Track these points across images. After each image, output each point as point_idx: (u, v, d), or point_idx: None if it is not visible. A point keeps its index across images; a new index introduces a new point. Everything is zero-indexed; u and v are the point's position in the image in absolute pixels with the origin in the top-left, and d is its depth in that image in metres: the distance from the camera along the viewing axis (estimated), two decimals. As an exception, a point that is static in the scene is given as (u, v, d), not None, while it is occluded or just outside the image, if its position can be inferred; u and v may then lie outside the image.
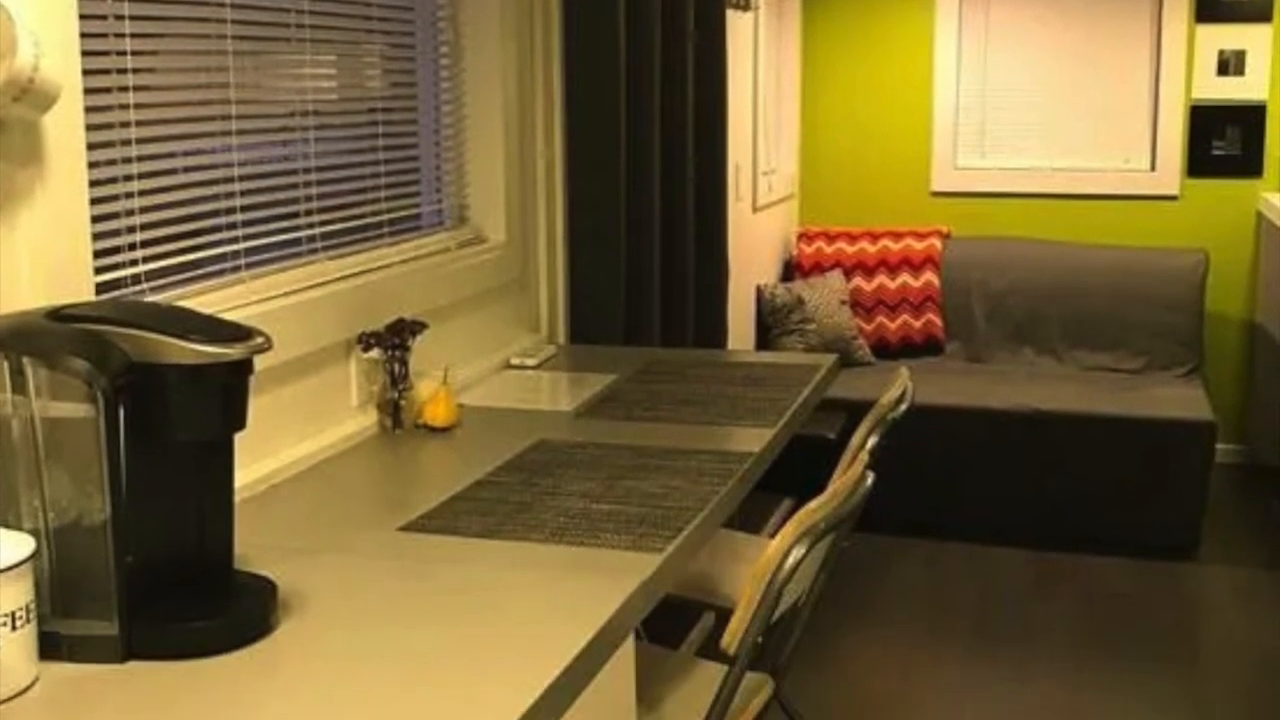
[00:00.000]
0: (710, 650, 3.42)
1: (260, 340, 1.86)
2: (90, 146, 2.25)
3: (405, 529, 2.33)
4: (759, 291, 6.38)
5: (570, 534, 2.30)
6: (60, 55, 2.10)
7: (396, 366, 2.98)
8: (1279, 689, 4.48)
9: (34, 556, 1.70)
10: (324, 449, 2.81)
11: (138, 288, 2.45)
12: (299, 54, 2.93)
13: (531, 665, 1.76)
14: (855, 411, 5.57)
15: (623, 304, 4.07)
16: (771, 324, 6.37)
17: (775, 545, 2.30)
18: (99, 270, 2.29)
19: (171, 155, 2.54)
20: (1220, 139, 6.59)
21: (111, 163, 2.37)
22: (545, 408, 3.18)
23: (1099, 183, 6.79)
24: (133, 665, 1.78)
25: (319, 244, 3.03)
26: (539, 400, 3.25)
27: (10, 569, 1.65)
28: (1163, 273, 6.41)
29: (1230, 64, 6.54)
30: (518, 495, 2.51)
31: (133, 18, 2.40)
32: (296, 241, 2.96)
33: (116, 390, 1.75)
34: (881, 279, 6.68)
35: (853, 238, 6.79)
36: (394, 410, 2.99)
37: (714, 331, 4.88)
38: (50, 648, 1.77)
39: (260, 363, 1.92)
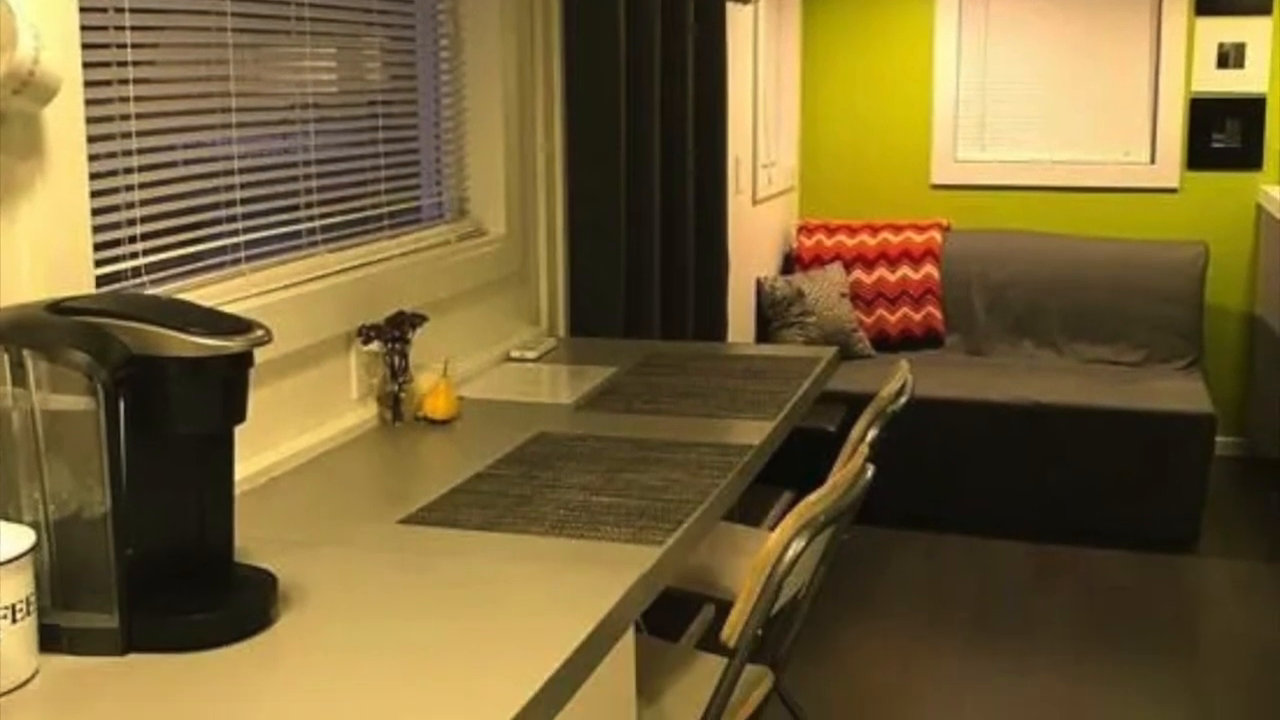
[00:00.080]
0: (710, 643, 3.42)
1: (260, 333, 1.86)
2: (90, 139, 2.25)
3: (405, 522, 2.34)
4: (759, 284, 6.38)
5: (570, 527, 2.30)
6: (60, 48, 2.10)
7: (396, 359, 2.98)
8: (1278, 681, 4.49)
9: (34, 549, 1.70)
10: (324, 442, 2.81)
11: (138, 280, 2.45)
12: (299, 47, 2.93)
13: (531, 658, 1.76)
14: (855, 404, 5.56)
15: (623, 297, 4.07)
16: (771, 317, 6.37)
17: (775, 538, 2.30)
18: (99, 263, 2.29)
19: (172, 148, 2.54)
20: (1220, 132, 6.59)
21: (112, 155, 2.36)
22: (545, 400, 3.18)
23: (1099, 175, 6.79)
24: (133, 658, 1.78)
25: (319, 237, 3.03)
26: (539, 393, 3.25)
27: (10, 561, 1.65)
28: (1162, 265, 6.41)
29: (1230, 57, 6.54)
30: (518, 488, 2.51)
31: (133, 10, 2.40)
32: (296, 234, 2.96)
33: (117, 383, 1.75)
34: (881, 271, 6.68)
35: (853, 230, 6.79)
36: (394, 403, 2.99)
37: (714, 324, 4.88)
38: (50, 640, 1.77)
39: (260, 355, 1.92)
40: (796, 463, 4.46)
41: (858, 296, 6.69)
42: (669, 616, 4.33)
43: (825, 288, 6.44)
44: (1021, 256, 6.59)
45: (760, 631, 2.33)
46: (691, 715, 2.58)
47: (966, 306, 6.64)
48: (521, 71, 3.77)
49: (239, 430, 1.95)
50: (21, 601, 1.68)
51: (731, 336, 5.50)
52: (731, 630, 2.32)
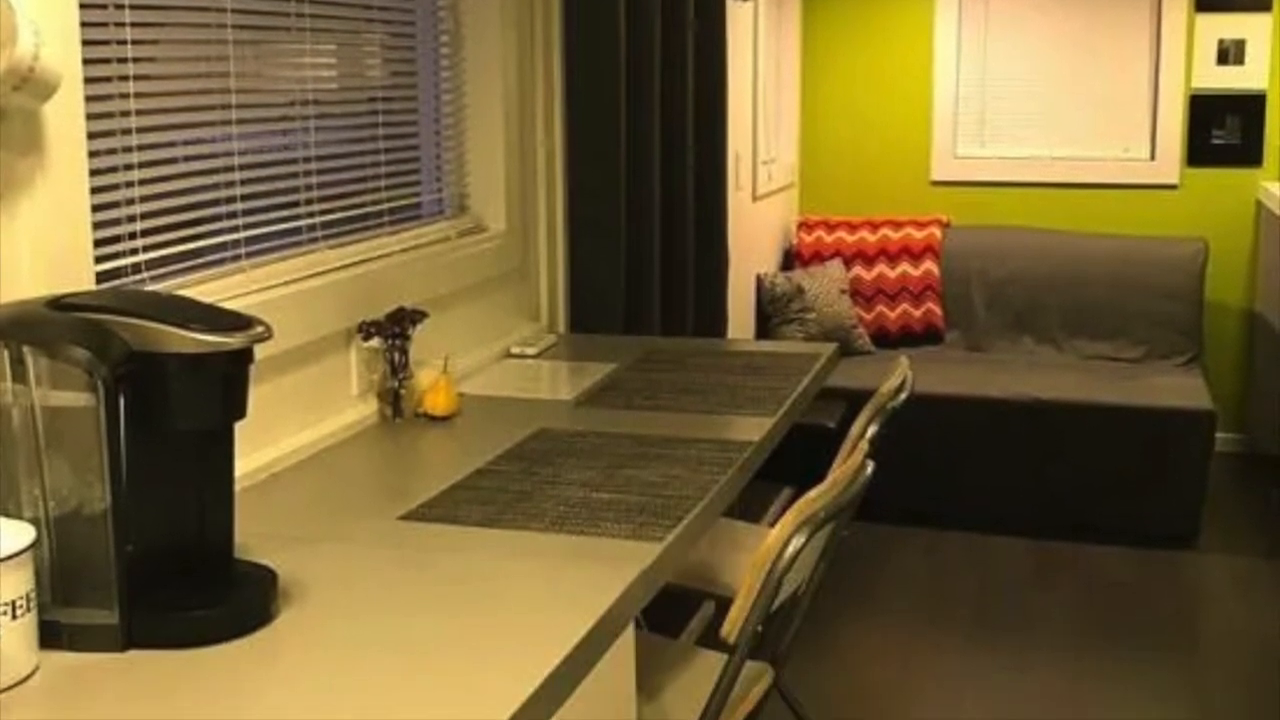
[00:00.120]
0: (710, 639, 3.43)
1: (260, 329, 1.86)
2: (90, 136, 2.25)
3: (405, 518, 2.34)
4: (759, 280, 6.38)
5: (570, 523, 2.30)
6: (60, 44, 2.10)
7: (397, 355, 2.98)
8: (1278, 678, 4.49)
9: (34, 545, 1.70)
10: (324, 438, 2.81)
11: (138, 277, 2.45)
12: (299, 43, 2.93)
13: (531, 654, 1.76)
14: (855, 400, 5.55)
15: (623, 293, 4.07)
16: (771, 313, 6.37)
17: (775, 534, 2.30)
18: (99, 259, 2.29)
19: (172, 144, 2.54)
20: (1220, 128, 6.59)
21: (112, 152, 2.36)
22: (545, 396, 3.18)
23: (1099, 172, 6.79)
24: (133, 654, 1.78)
25: (319, 233, 3.03)
26: (539, 389, 3.25)
27: (11, 558, 1.65)
28: (1162, 262, 6.41)
29: (1230, 53, 6.53)
30: (518, 484, 2.51)
31: (133, 6, 2.40)
32: (297, 230, 2.96)
33: (117, 379, 1.75)
34: (881, 268, 6.68)
35: (852, 227, 6.79)
36: (394, 399, 3.00)
37: (714, 320, 4.89)
38: (51, 636, 1.78)
39: (260, 352, 1.92)
40: (796, 459, 4.46)
41: (857, 293, 6.69)
42: (669, 613, 4.33)
43: (825, 284, 6.44)
44: (1021, 253, 6.59)
45: (760, 628, 2.34)
46: (691, 711, 2.58)
47: (966, 303, 6.64)
48: (522, 68, 3.77)
49: (239, 426, 1.95)
50: (22, 598, 1.68)
51: (731, 333, 5.50)
52: (731, 626, 2.32)
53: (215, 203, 2.67)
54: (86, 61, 2.24)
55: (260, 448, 2.64)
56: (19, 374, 1.76)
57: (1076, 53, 6.75)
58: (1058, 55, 6.78)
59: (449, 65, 3.61)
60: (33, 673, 1.71)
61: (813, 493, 2.38)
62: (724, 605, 2.45)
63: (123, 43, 2.38)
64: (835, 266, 6.61)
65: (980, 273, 6.62)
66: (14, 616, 1.66)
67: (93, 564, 1.79)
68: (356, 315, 2.96)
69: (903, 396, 3.12)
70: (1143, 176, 6.73)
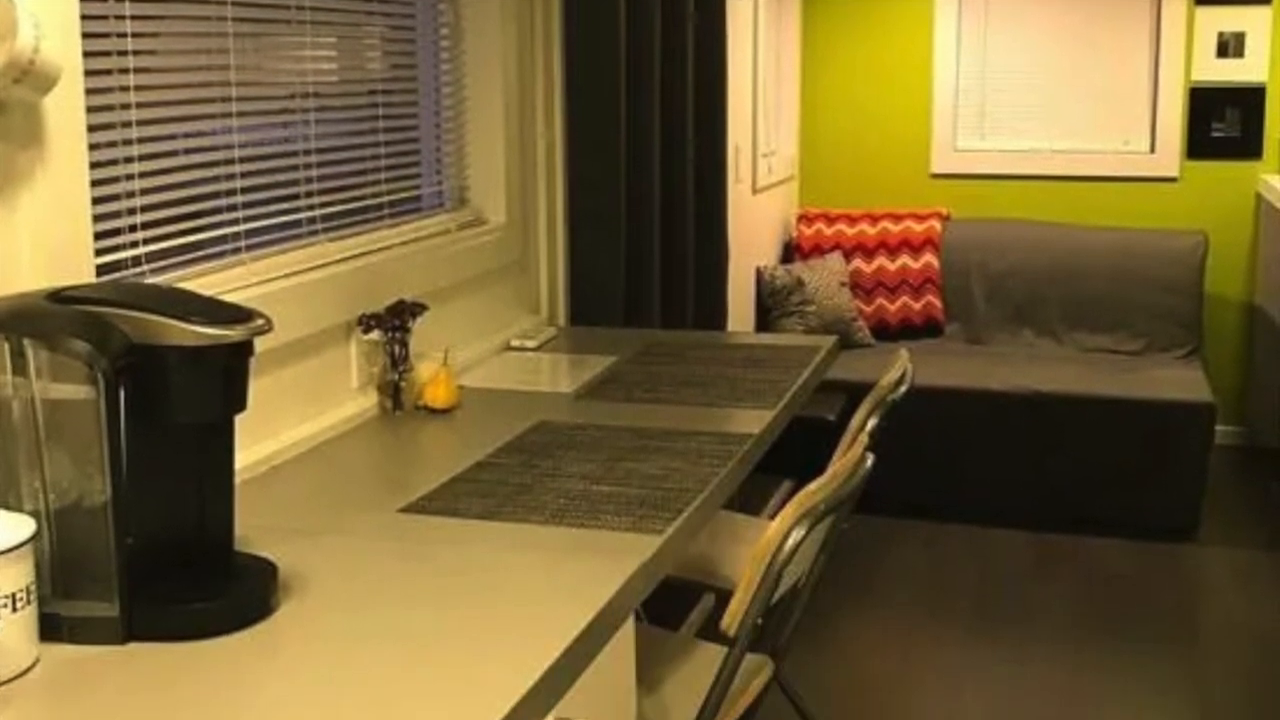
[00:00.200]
0: (710, 632, 3.43)
1: (261, 322, 1.86)
2: (91, 128, 2.25)
3: (405, 510, 2.34)
4: (759, 273, 6.38)
5: (570, 515, 2.30)
6: (61, 37, 2.10)
7: (397, 348, 2.98)
8: (1278, 670, 4.49)
9: (34, 538, 1.70)
10: (324, 430, 2.81)
11: (138, 269, 2.45)
12: (299, 36, 2.93)
13: (532, 646, 1.77)
14: (855, 393, 5.57)
15: (623, 286, 4.07)
16: (771, 306, 6.37)
17: (775, 527, 2.30)
18: (99, 252, 2.29)
19: (172, 137, 2.54)
20: (1220, 121, 6.59)
21: (112, 144, 2.37)
22: (545, 389, 3.18)
23: (1098, 165, 6.78)
24: (133, 646, 1.78)
25: (319, 226, 3.03)
26: (539, 382, 3.25)
27: (11, 550, 1.65)
28: (1162, 254, 6.41)
29: (1229, 46, 6.53)
30: (518, 477, 2.51)
31: (132, -1, 2.40)
32: (297, 223, 2.96)
33: (117, 372, 1.75)
34: (881, 261, 6.68)
35: (852, 219, 6.79)
36: (394, 392, 3.00)
37: (714, 313, 4.89)
38: (51, 629, 1.78)
39: (261, 344, 1.92)
40: (796, 452, 4.46)
41: (857, 285, 6.69)
42: (669, 605, 4.33)
43: (825, 277, 6.44)
44: (1021, 245, 6.59)
45: (760, 620, 2.34)
46: (691, 704, 2.58)
47: (966, 295, 6.64)
48: (522, 60, 3.76)
49: (239, 419, 1.95)
50: (22, 590, 1.68)
51: (731, 326, 5.50)
52: (731, 619, 2.32)
53: (215, 195, 2.67)
54: (87, 54, 2.24)
55: (260, 440, 2.64)
56: (19, 366, 1.76)
57: (1076, 45, 6.75)
58: (1058, 48, 6.78)
59: (449, 58, 3.61)
60: (33, 665, 1.71)
61: (813, 485, 2.38)
62: (724, 598, 2.45)
63: (123, 35, 2.38)
64: (835, 259, 6.61)
65: (980, 265, 6.62)
66: (14, 609, 1.67)
67: (93, 556, 1.79)
68: (356, 308, 2.97)
69: (903, 389, 3.12)
70: (1143, 169, 6.73)
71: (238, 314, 1.86)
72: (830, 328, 6.34)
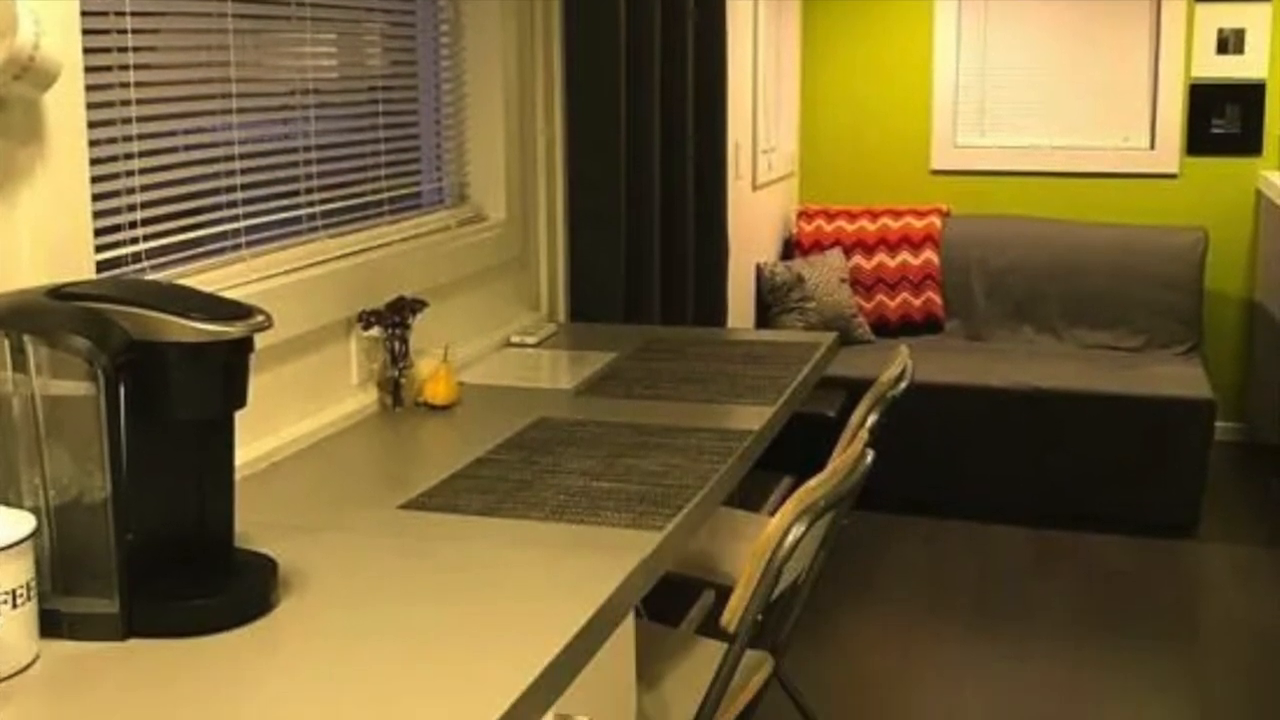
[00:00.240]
0: (710, 628, 3.43)
1: (261, 318, 1.86)
2: (91, 125, 2.25)
3: (405, 507, 2.34)
4: (759, 270, 6.38)
5: (570, 512, 2.30)
6: (61, 33, 2.10)
7: (397, 344, 2.98)
8: (1278, 667, 4.49)
9: (34, 534, 1.70)
10: (324, 427, 2.81)
11: (138, 266, 2.45)
12: (299, 32, 2.93)
13: (532, 643, 1.77)
14: (855, 389, 5.57)
15: (623, 282, 4.07)
16: (771, 302, 6.37)
17: (775, 523, 2.31)
18: (99, 248, 2.29)
19: (172, 134, 2.54)
20: (1220, 117, 6.59)
21: (112, 141, 2.36)
22: (545, 386, 3.18)
23: (1098, 161, 6.78)
24: (133, 643, 1.78)
25: (319, 222, 3.03)
26: (539, 378, 3.25)
27: (11, 547, 1.65)
28: (1162, 251, 6.41)
29: (1229, 42, 6.53)
30: (518, 473, 2.51)
31: (132, -5, 2.40)
32: (297, 220, 2.96)
33: (117, 368, 1.75)
34: (881, 257, 6.68)
35: (852, 216, 6.79)
36: (394, 388, 3.00)
37: (714, 309, 4.89)
38: (51, 625, 1.78)
39: (261, 341, 1.92)
40: (796, 448, 4.46)
41: (857, 282, 6.69)
42: (669, 602, 4.34)
43: (825, 273, 6.44)
44: (1021, 242, 6.59)
45: (760, 617, 2.34)
46: (691, 700, 2.58)
47: (966, 292, 6.64)
48: (522, 57, 3.76)
49: (239, 415, 1.95)
50: (22, 587, 1.68)
51: (731, 322, 5.50)
52: (731, 615, 2.32)
53: (215, 192, 2.67)
54: (87, 51, 2.24)
55: (260, 437, 2.64)
56: (19, 363, 1.76)
57: (1076, 42, 6.75)
58: (1057, 44, 6.78)
59: (449, 54, 3.60)
60: (33, 662, 1.71)
61: (813, 482, 2.39)
62: (724, 594, 2.46)
63: (123, 32, 2.38)
64: (835, 255, 6.61)
65: (980, 262, 6.62)
66: (14, 605, 1.67)
67: (93, 553, 1.79)
68: (356, 304, 2.97)
69: (903, 385, 3.12)
70: (1142, 166, 6.73)
71: (238, 310, 1.86)
72: (830, 324, 6.34)
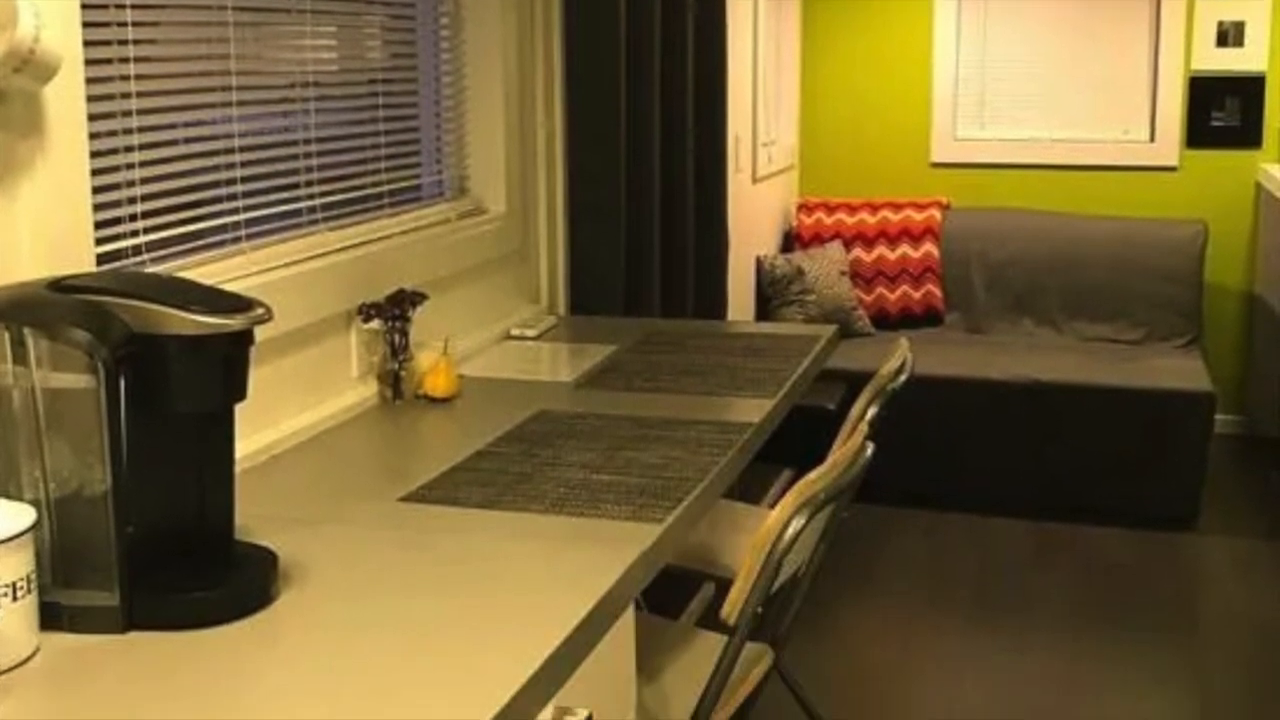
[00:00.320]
0: (710, 620, 3.43)
1: (261, 311, 1.86)
2: (91, 118, 2.24)
3: (405, 499, 2.34)
4: (759, 262, 6.38)
5: (570, 504, 2.30)
6: (61, 26, 2.10)
7: (397, 337, 2.98)
8: (1278, 659, 4.49)
9: (35, 527, 1.70)
10: (324, 420, 2.81)
11: (138, 259, 2.45)
12: (299, 25, 2.93)
13: (532, 635, 1.77)
14: (855, 382, 5.58)
15: (623, 275, 4.07)
16: (771, 295, 6.37)
17: (775, 516, 2.31)
18: (100, 241, 2.29)
19: (172, 126, 2.54)
20: (1219, 110, 6.59)
21: (112, 134, 2.36)
22: (545, 378, 3.18)
23: (1098, 154, 6.78)
24: (133, 635, 1.78)
25: (319, 215, 3.03)
26: (539, 371, 3.25)
27: (11, 539, 1.66)
28: (1162, 244, 6.41)
29: (1229, 35, 6.53)
30: (518, 466, 2.51)
31: (132, -12, 2.40)
32: (297, 212, 2.96)
33: (117, 361, 1.75)
34: (881, 250, 6.68)
35: (852, 209, 6.79)
36: (394, 381, 3.00)
37: (714, 302, 4.89)
38: (51, 618, 1.78)
39: (261, 333, 1.92)
40: (796, 441, 4.46)
41: (857, 275, 6.69)
42: (669, 594, 4.34)
43: (825, 266, 6.44)
44: (1021, 235, 6.59)
45: (760, 609, 2.34)
46: (691, 693, 2.58)
47: (966, 285, 6.64)
48: (522, 50, 3.76)
49: (239, 408, 1.95)
50: (22, 579, 1.68)
51: (731, 315, 5.50)
52: (731, 608, 2.32)
53: (215, 184, 2.67)
54: (87, 44, 2.24)
55: (260, 429, 2.65)
56: (19, 356, 1.77)
57: (1076, 35, 6.75)
58: (1057, 37, 6.78)
59: (449, 47, 3.60)
60: (33, 654, 1.71)
61: (813, 474, 2.39)
62: (724, 587, 2.46)
63: (123, 25, 2.38)
64: (835, 248, 6.61)
65: (980, 254, 6.62)
66: (14, 598, 1.67)
67: (93, 546, 1.79)
68: (357, 297, 2.97)
69: (902, 378, 3.12)
70: (1142, 158, 6.73)
71: (238, 303, 1.86)
72: (830, 317, 6.34)
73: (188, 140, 2.59)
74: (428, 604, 1.88)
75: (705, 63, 4.76)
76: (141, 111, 2.44)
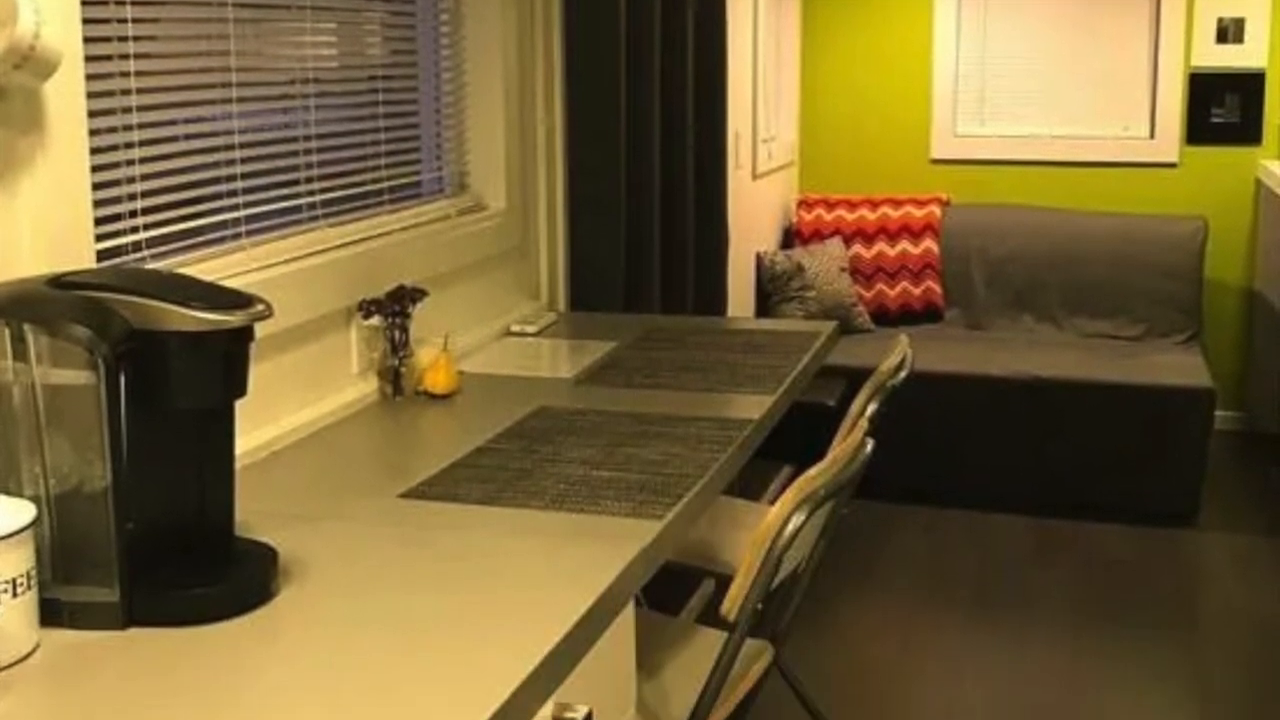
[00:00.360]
0: (710, 617, 3.43)
1: (261, 307, 1.86)
2: (91, 114, 2.24)
3: (406, 496, 2.34)
4: (759, 259, 6.38)
5: (570, 501, 2.30)
6: (61, 23, 2.09)
7: (397, 333, 2.98)
8: (1277, 655, 4.50)
9: (35, 523, 1.70)
10: (324, 416, 2.81)
11: (139, 255, 2.45)
12: (299, 21, 2.93)
13: (532, 631, 1.77)
14: (855, 378, 5.58)
15: (623, 271, 4.07)
16: (771, 291, 6.37)
17: (775, 512, 2.31)
18: (100, 238, 2.30)
19: (172, 123, 2.54)
20: (1219, 106, 6.59)
21: (112, 130, 2.36)
22: (545, 375, 3.18)
23: (1098, 150, 6.78)
24: (133, 632, 1.78)
25: (319, 211, 3.03)
26: (539, 367, 3.25)
27: (11, 536, 1.66)
28: (1162, 240, 6.41)
29: (1229, 31, 6.53)
30: (518, 462, 2.51)
31: (132, -15, 2.40)
32: (297, 209, 2.96)
33: (117, 357, 1.75)
34: (881, 246, 6.68)
35: (852, 205, 6.79)
36: (394, 377, 3.00)
37: (714, 299, 4.89)
38: (51, 614, 1.78)
39: (261, 330, 1.92)
40: (796, 437, 4.46)
41: (857, 271, 6.69)
42: (669, 590, 4.34)
43: (825, 262, 6.44)
44: (1021, 231, 6.59)
45: (760, 606, 2.34)
46: (691, 689, 2.58)
47: (966, 281, 6.64)
48: (522, 46, 3.76)
49: (239, 404, 1.95)
50: (22, 575, 1.68)
51: (731, 311, 5.50)
52: (731, 604, 2.32)
53: (216, 181, 2.67)
54: (87, 40, 2.24)
55: (261, 426, 2.65)
56: (20, 352, 1.77)
57: (1076, 31, 6.75)
58: (1057, 34, 6.77)
59: (449, 43, 3.60)
60: (33, 650, 1.72)
61: (813, 470, 2.39)
62: (724, 583, 2.46)
63: (123, 21, 2.38)
64: (835, 245, 6.61)
65: (980, 251, 6.62)
66: (14, 594, 1.67)
67: (93, 542, 1.79)
68: (357, 293, 2.97)
69: (902, 375, 3.12)
70: (1142, 155, 6.73)
71: (238, 299, 1.86)
72: (830, 313, 6.34)
73: (188, 136, 2.59)
74: (428, 600, 1.88)
75: (705, 59, 4.76)
76: (142, 108, 2.44)
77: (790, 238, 6.92)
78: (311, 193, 3.00)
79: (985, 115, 6.93)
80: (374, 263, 3.04)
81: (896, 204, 6.74)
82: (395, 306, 2.99)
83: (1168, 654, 4.51)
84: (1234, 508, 5.86)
